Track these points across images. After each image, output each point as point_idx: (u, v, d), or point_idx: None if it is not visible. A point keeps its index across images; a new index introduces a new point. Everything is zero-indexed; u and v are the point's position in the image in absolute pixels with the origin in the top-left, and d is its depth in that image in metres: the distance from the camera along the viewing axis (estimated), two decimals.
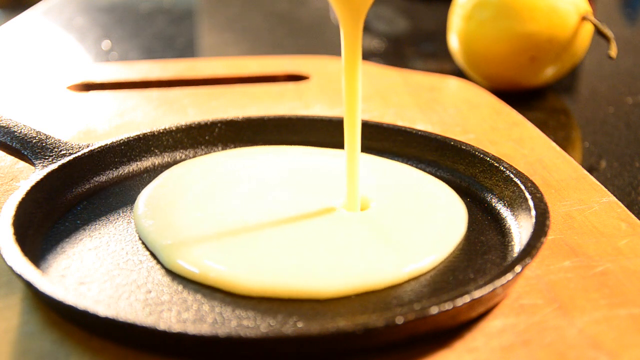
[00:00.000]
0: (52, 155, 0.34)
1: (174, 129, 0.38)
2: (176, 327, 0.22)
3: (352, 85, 0.32)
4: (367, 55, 0.71)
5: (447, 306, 0.23)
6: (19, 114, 0.46)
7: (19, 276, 0.25)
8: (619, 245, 0.30)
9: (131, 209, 0.33)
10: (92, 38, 0.76)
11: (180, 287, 0.27)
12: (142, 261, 0.29)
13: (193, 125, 0.39)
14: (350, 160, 0.32)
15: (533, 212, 0.30)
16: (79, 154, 0.35)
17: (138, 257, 0.29)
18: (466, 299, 0.24)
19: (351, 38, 0.31)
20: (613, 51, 0.52)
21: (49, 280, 0.25)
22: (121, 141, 0.37)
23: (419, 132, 0.38)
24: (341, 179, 0.33)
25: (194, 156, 0.38)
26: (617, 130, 0.49)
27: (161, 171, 0.37)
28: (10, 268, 0.25)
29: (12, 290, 0.27)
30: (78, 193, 0.34)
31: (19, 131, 0.36)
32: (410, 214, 0.32)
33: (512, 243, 0.30)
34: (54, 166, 0.33)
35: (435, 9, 0.90)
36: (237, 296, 0.26)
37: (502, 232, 0.31)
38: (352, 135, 0.32)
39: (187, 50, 0.74)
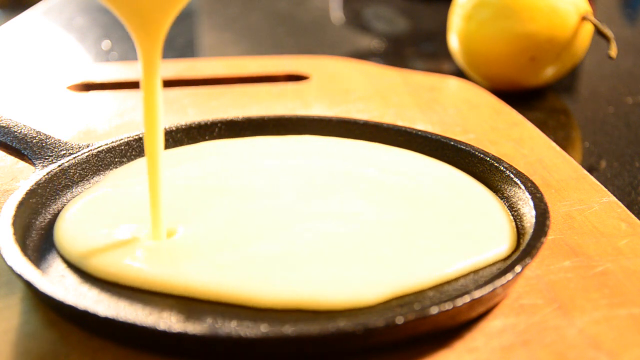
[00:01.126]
0: (52, 155, 0.34)
1: (174, 129, 0.38)
2: (176, 327, 0.22)
3: (151, 107, 0.28)
4: (367, 55, 0.71)
5: (447, 306, 0.23)
6: (19, 114, 0.46)
7: (19, 276, 0.25)
8: (619, 245, 0.30)
9: None
10: (92, 38, 0.76)
11: None
12: None
13: (193, 125, 0.39)
14: (152, 186, 0.29)
15: (533, 212, 0.30)
16: (79, 154, 0.35)
17: None
18: (466, 299, 0.24)
19: (148, 58, 0.27)
20: (613, 51, 0.52)
21: (49, 280, 0.25)
22: (121, 141, 0.37)
23: (419, 132, 0.38)
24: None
25: None
26: (617, 130, 0.49)
27: None
28: (10, 268, 0.25)
29: (12, 290, 0.27)
30: (78, 193, 0.34)
31: (19, 131, 0.36)
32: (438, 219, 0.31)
33: None
34: (54, 166, 0.33)
35: (435, 9, 0.90)
36: None
37: None
38: (153, 160, 0.29)
39: (187, 50, 0.74)
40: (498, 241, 0.29)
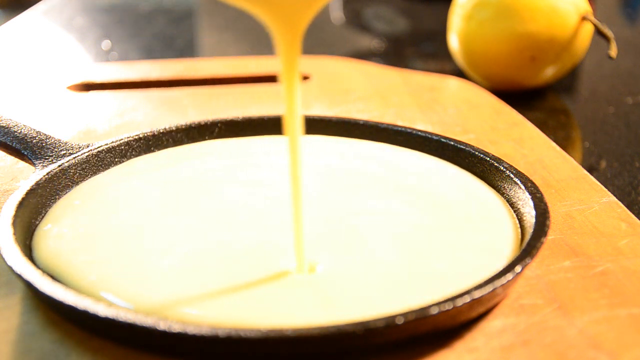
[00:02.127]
0: (52, 155, 0.34)
1: (174, 129, 0.38)
2: (176, 327, 0.22)
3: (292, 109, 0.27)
4: (367, 55, 0.71)
5: (447, 306, 0.23)
6: (19, 114, 0.46)
7: (19, 276, 0.25)
8: (619, 245, 0.30)
9: None
10: (92, 38, 0.76)
11: None
12: None
13: (193, 125, 0.39)
14: (296, 217, 0.27)
15: (533, 212, 0.30)
16: (79, 154, 0.35)
17: None
18: (466, 299, 0.24)
19: (289, 62, 0.27)
20: (613, 51, 0.52)
21: (49, 280, 0.25)
22: (121, 141, 0.37)
23: (419, 132, 0.38)
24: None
25: None
26: (617, 130, 0.49)
27: None
28: (10, 268, 0.25)
29: (12, 290, 0.27)
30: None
31: (19, 131, 0.36)
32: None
33: None
34: (54, 166, 0.33)
35: (435, 9, 0.90)
36: None
37: None
38: (296, 184, 0.27)
39: (187, 50, 0.74)
40: (508, 254, 0.29)
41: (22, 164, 0.38)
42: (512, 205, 0.32)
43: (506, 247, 0.29)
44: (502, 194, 0.33)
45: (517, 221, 0.31)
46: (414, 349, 0.24)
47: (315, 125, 0.40)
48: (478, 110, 0.47)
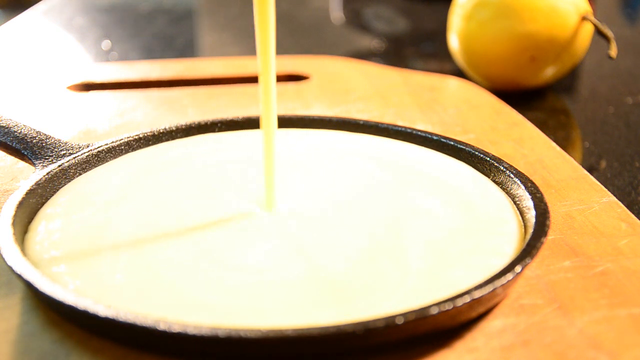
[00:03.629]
0: (52, 155, 0.34)
1: (174, 129, 0.38)
2: (176, 327, 0.22)
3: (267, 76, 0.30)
4: (367, 55, 0.71)
5: (447, 306, 0.23)
6: (19, 114, 0.46)
7: (19, 276, 0.25)
8: (619, 245, 0.30)
9: None
10: (92, 38, 0.76)
11: None
12: None
13: (193, 125, 0.39)
14: (267, 155, 0.31)
15: (533, 212, 0.30)
16: (79, 154, 0.35)
17: None
18: (466, 299, 0.24)
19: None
20: (613, 51, 0.52)
21: (49, 280, 0.25)
22: (121, 141, 0.37)
23: (419, 132, 0.38)
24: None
25: None
26: (617, 130, 0.49)
27: None
28: (10, 268, 0.25)
29: (12, 290, 0.27)
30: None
31: (19, 131, 0.36)
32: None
33: None
34: (54, 166, 0.33)
35: (435, 9, 0.90)
36: None
37: None
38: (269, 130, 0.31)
39: (187, 50, 0.74)
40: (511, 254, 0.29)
41: (22, 164, 0.38)
42: (512, 205, 0.32)
43: (510, 248, 0.29)
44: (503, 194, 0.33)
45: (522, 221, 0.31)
46: (414, 349, 0.24)
47: (315, 125, 0.40)
48: (478, 110, 0.47)
